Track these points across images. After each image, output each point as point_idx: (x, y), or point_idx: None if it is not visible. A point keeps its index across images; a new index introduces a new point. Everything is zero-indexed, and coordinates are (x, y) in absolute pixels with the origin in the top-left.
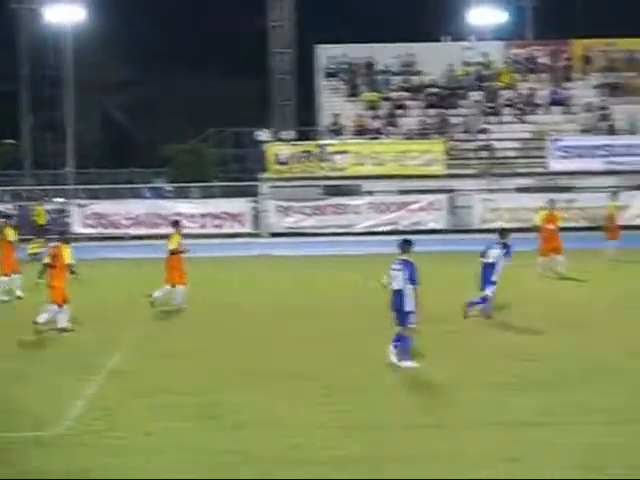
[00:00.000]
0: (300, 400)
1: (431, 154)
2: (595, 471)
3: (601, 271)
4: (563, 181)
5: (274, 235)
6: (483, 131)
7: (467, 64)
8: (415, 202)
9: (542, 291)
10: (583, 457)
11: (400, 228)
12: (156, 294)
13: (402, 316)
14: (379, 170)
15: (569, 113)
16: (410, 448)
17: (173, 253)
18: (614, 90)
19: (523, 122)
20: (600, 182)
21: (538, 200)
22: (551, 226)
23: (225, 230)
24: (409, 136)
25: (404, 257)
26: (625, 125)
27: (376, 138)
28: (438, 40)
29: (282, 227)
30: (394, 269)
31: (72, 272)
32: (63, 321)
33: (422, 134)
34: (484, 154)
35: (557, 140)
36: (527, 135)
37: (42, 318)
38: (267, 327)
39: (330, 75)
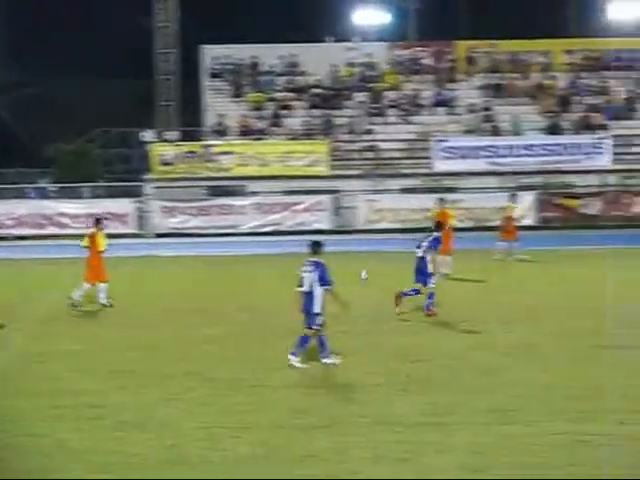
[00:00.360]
0: (188, 401)
1: (316, 155)
2: (480, 472)
3: (493, 270)
4: (448, 182)
5: (159, 236)
6: (368, 132)
7: (351, 65)
8: (300, 203)
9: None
10: (468, 457)
11: (284, 229)
12: (75, 295)
13: (311, 317)
14: (264, 171)
15: (453, 114)
16: (300, 448)
17: (96, 253)
18: (498, 91)
19: (407, 123)
20: (484, 182)
21: (423, 201)
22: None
23: (109, 231)
24: (294, 137)
25: (315, 258)
26: (508, 126)
27: (261, 139)
28: (322, 41)
29: (167, 228)
30: (305, 270)
31: None
32: None
33: (307, 135)
34: (369, 155)
35: (441, 141)
36: (412, 136)
37: None
38: (155, 328)
39: (215, 75)
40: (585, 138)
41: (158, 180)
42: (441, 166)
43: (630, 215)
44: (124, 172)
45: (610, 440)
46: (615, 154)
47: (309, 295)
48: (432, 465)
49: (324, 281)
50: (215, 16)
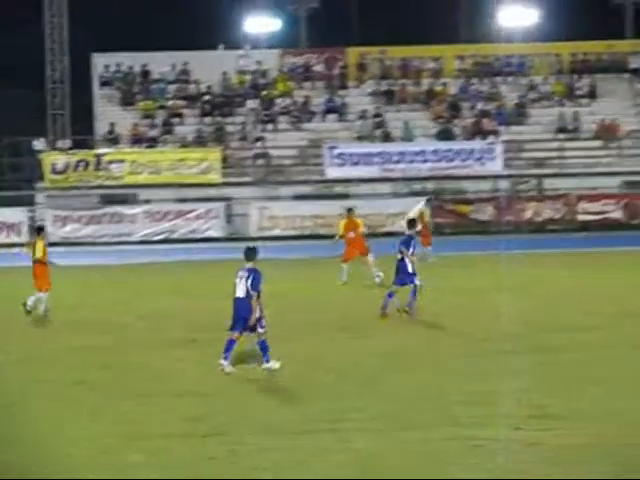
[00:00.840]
0: (79, 409)
1: (207, 162)
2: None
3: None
4: (340, 188)
5: (51, 245)
6: (259, 139)
7: (242, 72)
8: (192, 210)
9: (336, 298)
10: (364, 463)
11: (177, 237)
12: (29, 302)
13: (245, 322)
14: (156, 179)
15: (345, 120)
16: (190, 456)
17: (39, 262)
18: (389, 97)
19: (299, 130)
20: (376, 189)
21: (316, 207)
22: (351, 234)
23: (1, 240)
24: (185, 144)
25: (249, 265)
26: (400, 132)
27: (152, 146)
28: (213, 48)
29: (59, 236)
30: (240, 277)
31: None
32: None
33: (198, 142)
34: (261, 162)
35: (333, 147)
36: (303, 143)
37: None
38: (46, 339)
39: (105, 84)
40: (476, 144)
41: (50, 189)
42: (333, 173)
43: (522, 220)
44: (16, 181)
45: (505, 445)
46: (506, 160)
47: (244, 301)
48: (329, 471)
49: (255, 287)
50: (105, 24)
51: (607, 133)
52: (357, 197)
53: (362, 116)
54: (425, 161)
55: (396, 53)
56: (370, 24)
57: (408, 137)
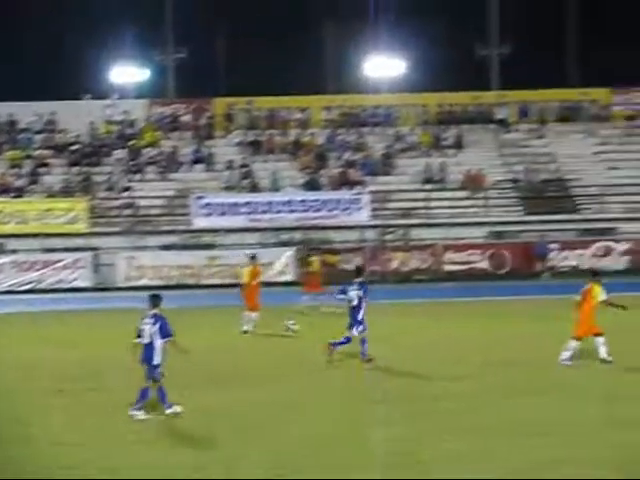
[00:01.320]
0: None
1: (75, 212)
2: None
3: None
4: (207, 238)
5: None
6: (127, 189)
7: (110, 122)
8: (59, 260)
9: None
10: None
11: (44, 286)
12: None
13: (151, 369)
14: (23, 228)
15: (212, 171)
16: None
17: None
18: (256, 147)
19: (167, 180)
20: (244, 239)
21: (183, 257)
22: (254, 282)
23: None
24: (52, 194)
25: (155, 311)
26: (267, 182)
27: (19, 196)
28: (80, 98)
29: None
30: (146, 323)
31: None
32: None
33: (65, 192)
34: (128, 212)
35: (200, 198)
36: (171, 193)
37: None
38: None
39: None
40: (343, 194)
41: None
42: (200, 222)
43: (388, 270)
44: None
45: None
46: (373, 210)
47: (149, 347)
48: None
49: (165, 333)
50: None
51: (473, 183)
52: (224, 247)
53: (229, 166)
54: (292, 211)
55: (263, 103)
56: (237, 75)
57: (275, 187)
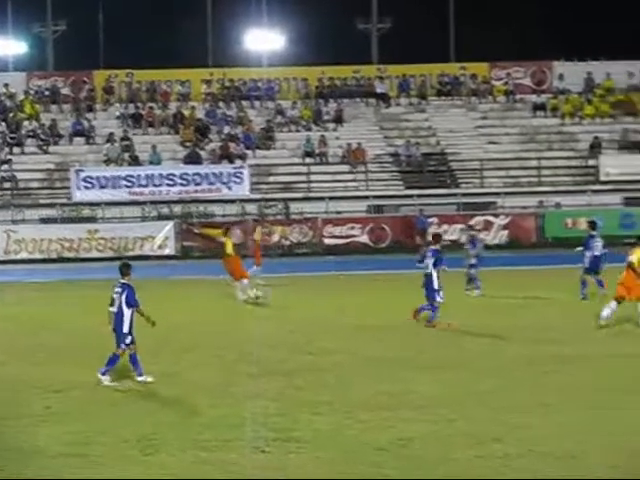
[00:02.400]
0: None
1: None
2: None
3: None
4: (87, 211)
5: None
6: (6, 162)
7: None
8: None
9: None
10: None
11: None
12: None
13: (120, 336)
14: None
15: (92, 144)
16: None
17: None
18: (136, 121)
19: (46, 153)
20: (124, 212)
21: (63, 231)
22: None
23: None
24: None
25: (124, 280)
26: (147, 156)
27: None
28: None
29: None
30: (115, 292)
31: None
32: None
33: None
34: (7, 185)
35: (80, 171)
36: (51, 166)
37: None
38: None
39: None
40: (224, 167)
41: None
42: (80, 196)
43: (269, 244)
44: None
45: (250, 469)
46: (253, 184)
47: (118, 315)
48: None
49: (131, 302)
50: None
51: (353, 157)
52: (104, 221)
53: (110, 139)
54: (173, 184)
55: (144, 76)
56: (117, 47)
57: (156, 161)
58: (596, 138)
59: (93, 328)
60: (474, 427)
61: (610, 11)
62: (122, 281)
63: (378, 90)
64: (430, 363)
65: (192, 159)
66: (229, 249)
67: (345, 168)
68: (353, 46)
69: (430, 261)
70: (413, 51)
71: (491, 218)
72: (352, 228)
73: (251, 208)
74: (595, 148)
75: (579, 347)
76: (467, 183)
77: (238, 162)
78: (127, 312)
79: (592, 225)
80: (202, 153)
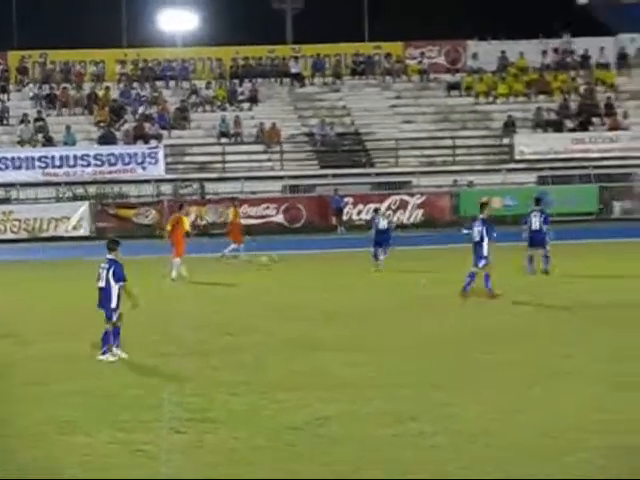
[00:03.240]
0: None
1: None
2: None
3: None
4: (1, 192)
5: None
6: None
7: None
8: None
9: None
10: (22, 474)
11: None
12: None
13: (108, 312)
14: None
15: (6, 125)
16: None
17: None
18: (50, 101)
19: None
20: (39, 193)
21: None
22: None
23: None
24: None
25: (111, 256)
26: (62, 137)
27: None
28: None
29: None
30: (102, 267)
31: None
32: None
33: None
34: None
35: None
36: None
37: None
38: None
39: None
40: (139, 148)
41: None
42: None
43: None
44: None
45: (166, 448)
46: (168, 164)
47: (106, 291)
48: None
49: (119, 277)
50: None
51: (268, 137)
52: (19, 202)
53: (23, 120)
54: (87, 165)
55: (57, 57)
56: (31, 28)
57: (70, 141)
58: (510, 117)
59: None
60: (391, 406)
61: None
62: (109, 257)
63: (292, 70)
64: (348, 344)
65: (107, 139)
66: (186, 226)
67: (260, 148)
68: (267, 26)
69: (478, 229)
70: (327, 31)
71: (406, 197)
72: (267, 208)
73: (166, 188)
74: (509, 127)
75: (502, 325)
76: (382, 162)
77: (153, 142)
78: (115, 287)
79: (536, 201)
80: (117, 134)
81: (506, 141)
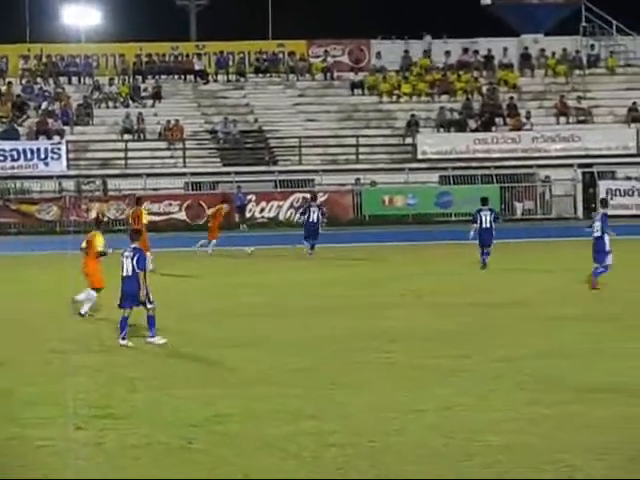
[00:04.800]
0: None
1: None
2: None
3: None
4: None
5: None
6: None
7: None
8: None
9: None
10: None
11: None
12: None
13: (133, 299)
14: None
15: None
16: None
17: None
18: None
19: None
20: None
21: None
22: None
23: None
24: None
25: (134, 245)
26: None
27: None
28: None
29: None
30: (126, 256)
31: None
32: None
33: None
34: None
35: None
36: None
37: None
38: None
39: None
40: (41, 144)
41: None
42: None
43: (88, 220)
44: None
45: (67, 445)
46: (71, 160)
47: (131, 278)
48: None
49: (139, 265)
50: None
51: (171, 134)
52: None
53: None
54: None
55: None
56: None
57: None
58: (413, 116)
59: None
60: (291, 404)
61: None
62: (133, 245)
63: (196, 67)
64: (249, 341)
65: (9, 135)
66: (145, 220)
67: (163, 145)
68: (171, 22)
69: (599, 224)
70: (231, 28)
71: (309, 195)
72: (170, 205)
73: (68, 185)
74: (412, 126)
75: (385, 322)
76: (285, 160)
77: (56, 138)
78: (139, 274)
79: (483, 200)
80: (19, 129)
81: (409, 140)
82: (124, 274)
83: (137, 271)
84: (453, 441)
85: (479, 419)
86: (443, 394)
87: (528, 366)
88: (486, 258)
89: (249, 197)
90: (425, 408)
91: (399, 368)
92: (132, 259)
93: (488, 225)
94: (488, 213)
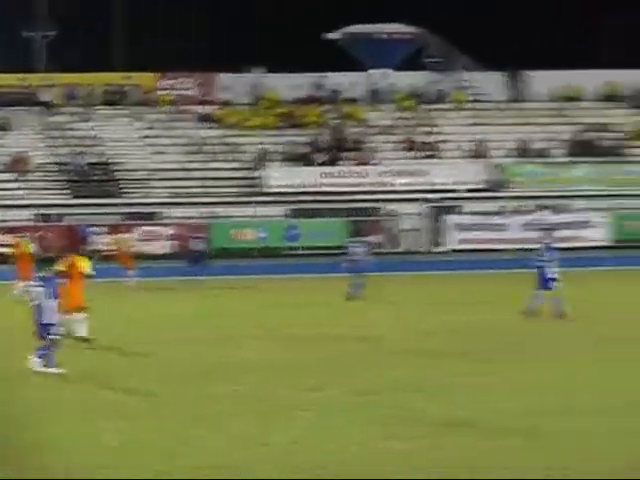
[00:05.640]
0: None
1: None
2: None
3: None
4: None
5: None
6: None
7: None
8: None
9: None
10: None
11: None
12: None
13: (42, 328)
14: None
15: None
16: None
17: None
18: None
19: None
20: None
21: None
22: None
23: None
24: None
25: (44, 274)
26: None
27: None
28: None
29: None
30: (35, 286)
31: None
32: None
33: None
34: None
35: None
36: None
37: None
38: None
39: None
40: None
41: None
42: None
43: None
44: None
45: None
46: None
47: (39, 308)
48: None
49: (54, 295)
50: None
51: (18, 166)
52: None
53: None
54: None
55: None
56: None
57: None
58: (261, 150)
59: None
60: (152, 438)
61: (280, 22)
62: (42, 275)
63: (43, 98)
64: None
65: None
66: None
67: (10, 177)
68: (19, 53)
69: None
70: (80, 59)
71: (157, 228)
72: (18, 237)
73: None
74: (260, 160)
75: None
76: (132, 193)
77: None
78: (50, 303)
79: (355, 232)
80: None
81: (257, 174)
82: (35, 303)
83: (50, 301)
84: (297, 475)
85: (329, 453)
86: (294, 427)
87: (383, 400)
88: (357, 291)
89: (94, 229)
90: (274, 441)
91: (250, 400)
92: (44, 289)
93: (362, 257)
94: (361, 245)
